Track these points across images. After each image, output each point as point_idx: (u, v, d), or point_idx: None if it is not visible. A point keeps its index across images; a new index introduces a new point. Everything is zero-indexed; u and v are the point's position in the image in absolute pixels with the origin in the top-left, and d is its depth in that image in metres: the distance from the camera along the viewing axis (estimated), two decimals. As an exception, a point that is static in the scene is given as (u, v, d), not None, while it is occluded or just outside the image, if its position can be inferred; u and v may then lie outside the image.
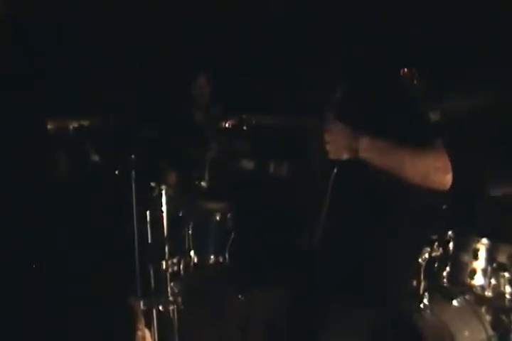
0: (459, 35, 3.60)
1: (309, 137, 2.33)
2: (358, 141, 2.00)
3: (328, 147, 2.04)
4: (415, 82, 2.38)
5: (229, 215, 3.40)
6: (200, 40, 4.27)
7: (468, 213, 3.06)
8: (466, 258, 2.81)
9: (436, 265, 2.85)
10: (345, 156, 2.02)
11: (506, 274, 2.77)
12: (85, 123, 4.54)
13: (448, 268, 2.83)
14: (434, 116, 2.26)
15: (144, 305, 3.11)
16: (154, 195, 3.17)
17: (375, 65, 2.22)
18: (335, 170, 2.11)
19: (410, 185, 2.02)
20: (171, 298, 3.15)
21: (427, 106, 2.20)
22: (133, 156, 3.29)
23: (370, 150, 2.00)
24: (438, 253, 2.85)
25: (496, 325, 2.82)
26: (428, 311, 2.76)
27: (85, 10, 4.20)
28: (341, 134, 2.01)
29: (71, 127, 4.63)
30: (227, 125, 3.77)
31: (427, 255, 2.82)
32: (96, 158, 3.99)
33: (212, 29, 4.22)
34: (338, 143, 2.01)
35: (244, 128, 3.82)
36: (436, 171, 1.99)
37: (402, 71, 2.37)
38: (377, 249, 2.18)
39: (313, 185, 2.30)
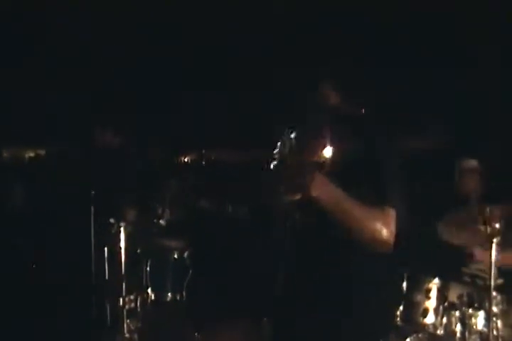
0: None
1: (265, 174, 2.35)
2: (311, 177, 2.01)
3: (284, 183, 2.04)
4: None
5: (186, 253, 3.41)
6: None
7: (420, 254, 3.14)
8: (418, 297, 2.89)
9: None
10: (298, 192, 2.03)
11: (457, 313, 2.86)
12: (42, 152, 4.49)
13: (401, 308, 2.90)
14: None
15: (100, 341, 3.09)
16: (113, 231, 3.16)
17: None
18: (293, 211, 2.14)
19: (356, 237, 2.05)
20: (127, 335, 3.13)
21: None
22: (92, 192, 3.29)
23: (320, 190, 1.99)
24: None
25: (448, 362, 2.88)
26: (382, 350, 2.81)
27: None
28: (297, 169, 2.03)
29: (27, 156, 4.59)
30: (186, 160, 3.80)
31: (381, 295, 2.88)
32: (54, 191, 3.95)
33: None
34: (292, 179, 2.03)
35: (203, 163, 3.86)
36: (380, 236, 2.02)
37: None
38: (331, 288, 2.22)
39: (269, 222, 2.33)
